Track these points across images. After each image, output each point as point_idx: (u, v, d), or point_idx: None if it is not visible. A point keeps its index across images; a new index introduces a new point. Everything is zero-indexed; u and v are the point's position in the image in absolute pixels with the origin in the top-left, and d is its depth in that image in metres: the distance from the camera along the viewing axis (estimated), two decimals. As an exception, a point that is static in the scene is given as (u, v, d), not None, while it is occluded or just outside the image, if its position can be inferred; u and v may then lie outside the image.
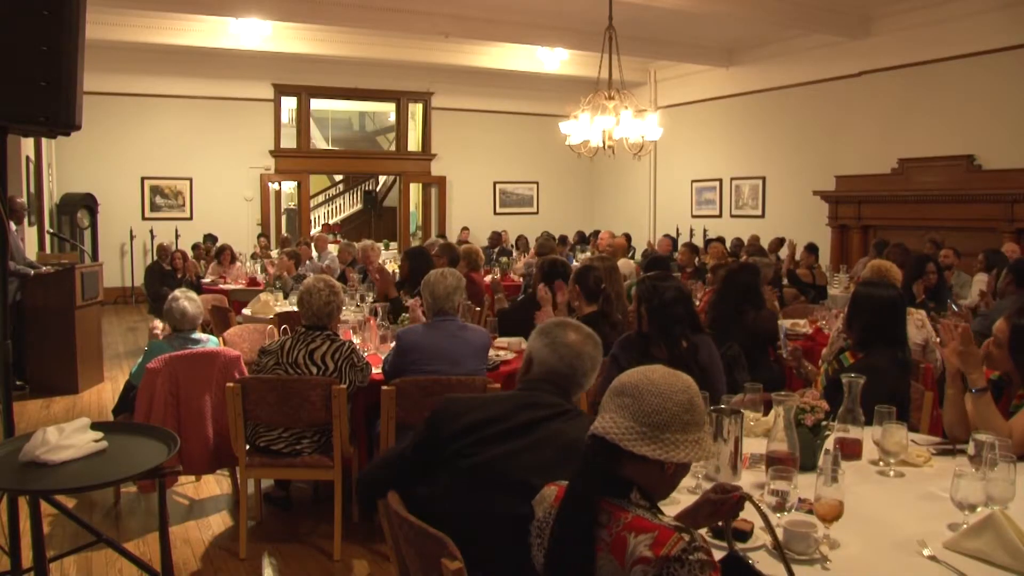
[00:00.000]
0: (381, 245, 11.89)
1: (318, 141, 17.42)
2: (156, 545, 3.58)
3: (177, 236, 12.37)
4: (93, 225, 12.09)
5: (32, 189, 9.07)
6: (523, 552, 1.67)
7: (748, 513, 1.95)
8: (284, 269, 7.64)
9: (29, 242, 8.40)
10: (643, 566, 1.39)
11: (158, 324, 4.49)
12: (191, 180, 13.12)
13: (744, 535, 1.87)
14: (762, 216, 12.45)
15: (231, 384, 3.49)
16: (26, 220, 7.88)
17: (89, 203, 12.00)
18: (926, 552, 1.83)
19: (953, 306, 5.64)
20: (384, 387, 3.50)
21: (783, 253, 9.61)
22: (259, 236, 12.45)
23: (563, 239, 12.23)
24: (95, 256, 11.54)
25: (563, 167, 14.90)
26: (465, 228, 14.06)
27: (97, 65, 9.43)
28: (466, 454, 1.93)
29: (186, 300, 4.12)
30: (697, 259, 8.83)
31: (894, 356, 3.09)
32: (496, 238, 13.54)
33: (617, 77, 8.14)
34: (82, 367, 6.67)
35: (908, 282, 5.31)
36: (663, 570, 1.38)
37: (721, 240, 10.30)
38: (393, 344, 3.92)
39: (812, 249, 9.12)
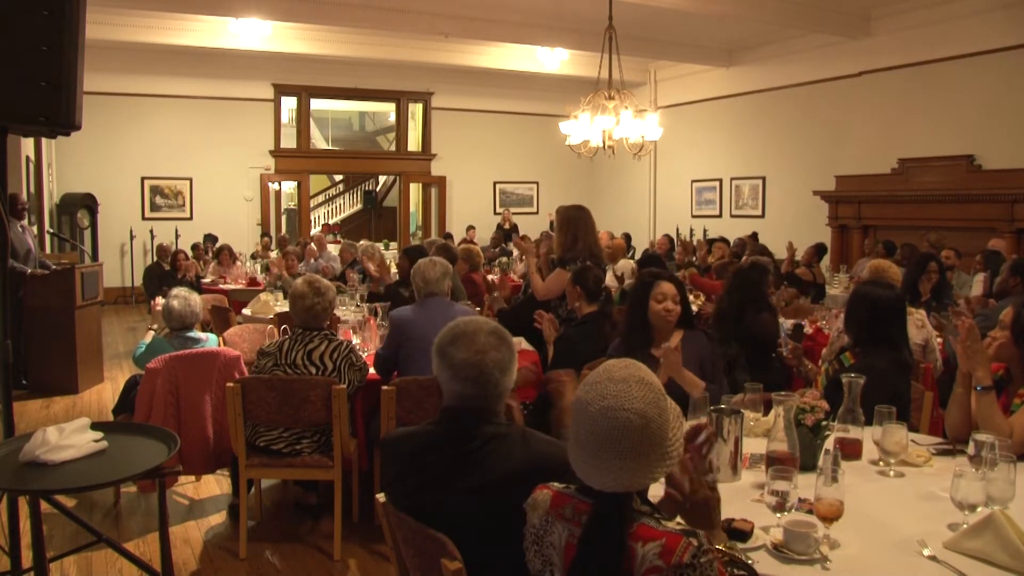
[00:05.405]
0: (381, 245, 11.88)
1: (318, 141, 17.42)
2: (156, 545, 3.58)
3: (177, 236, 12.36)
4: (93, 225, 12.09)
5: (32, 189, 9.07)
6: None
7: (746, 514, 1.96)
8: (284, 268, 7.64)
9: (30, 242, 8.37)
10: None
11: (160, 300, 4.50)
12: (191, 180, 13.13)
13: (744, 535, 1.87)
14: (762, 216, 12.44)
15: (231, 384, 3.48)
16: (26, 220, 7.86)
17: (89, 203, 12.00)
18: (926, 552, 1.83)
19: (954, 305, 5.62)
20: (384, 387, 3.51)
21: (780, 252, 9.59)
22: (263, 236, 12.43)
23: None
24: (95, 256, 11.55)
25: (563, 167, 14.89)
26: (471, 227, 14.00)
27: (97, 65, 9.45)
28: (406, 500, 1.92)
29: (182, 298, 4.14)
30: (695, 257, 8.82)
31: (894, 356, 3.07)
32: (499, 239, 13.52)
33: (617, 77, 8.14)
34: (82, 367, 6.67)
35: (911, 281, 5.29)
36: None
37: (725, 240, 10.30)
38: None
39: (820, 250, 9.11)
